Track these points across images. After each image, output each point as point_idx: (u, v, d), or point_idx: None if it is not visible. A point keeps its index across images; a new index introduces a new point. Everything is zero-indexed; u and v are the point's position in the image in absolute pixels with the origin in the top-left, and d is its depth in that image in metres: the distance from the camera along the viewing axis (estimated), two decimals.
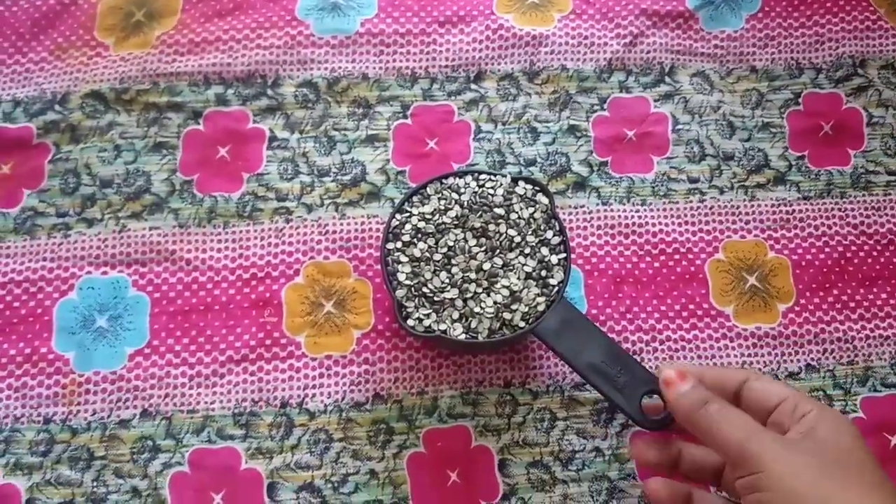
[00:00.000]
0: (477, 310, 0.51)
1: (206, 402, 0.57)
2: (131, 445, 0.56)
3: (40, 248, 0.61)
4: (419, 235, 0.53)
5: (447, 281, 0.52)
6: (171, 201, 0.62)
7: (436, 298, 0.51)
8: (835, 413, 0.43)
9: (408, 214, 0.54)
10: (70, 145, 0.63)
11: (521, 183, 0.56)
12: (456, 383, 0.58)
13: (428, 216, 0.54)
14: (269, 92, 0.65)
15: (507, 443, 0.57)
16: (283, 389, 0.58)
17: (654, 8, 0.69)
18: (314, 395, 0.58)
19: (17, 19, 0.67)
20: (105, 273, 0.60)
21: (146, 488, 0.55)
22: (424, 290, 0.51)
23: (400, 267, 0.52)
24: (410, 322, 0.51)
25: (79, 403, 0.57)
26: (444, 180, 0.56)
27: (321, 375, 0.58)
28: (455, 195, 0.54)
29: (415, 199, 0.55)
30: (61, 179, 0.62)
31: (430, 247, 0.53)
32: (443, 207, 0.54)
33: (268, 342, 0.59)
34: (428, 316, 0.51)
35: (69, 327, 0.59)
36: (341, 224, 0.62)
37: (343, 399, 0.58)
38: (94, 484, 0.55)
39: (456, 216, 0.53)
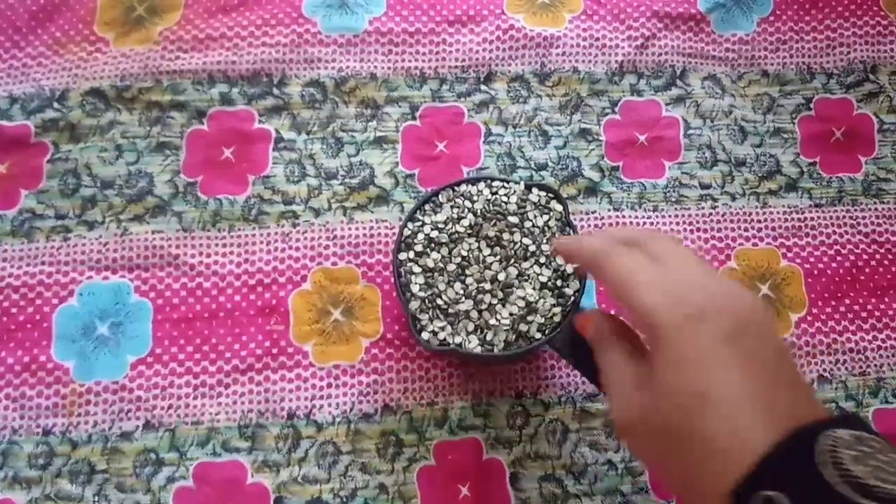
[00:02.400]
0: (492, 321, 0.50)
1: (210, 414, 0.56)
2: (134, 459, 0.54)
3: (39, 251, 0.59)
4: (432, 245, 0.52)
5: (461, 292, 0.50)
6: (175, 204, 0.60)
7: (450, 310, 0.50)
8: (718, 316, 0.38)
9: (420, 223, 0.53)
10: (69, 144, 0.61)
11: (535, 190, 0.54)
12: (466, 394, 0.57)
13: (441, 225, 0.52)
14: (276, 91, 0.63)
15: (519, 456, 0.56)
16: (291, 400, 0.56)
17: (665, 10, 0.68)
18: (322, 406, 0.56)
19: (14, 12, 0.64)
20: (106, 278, 0.58)
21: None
22: (438, 301, 0.50)
23: (413, 278, 0.51)
24: (425, 335, 0.50)
25: (79, 414, 0.55)
26: (456, 188, 0.54)
27: (329, 385, 0.57)
28: (468, 203, 0.53)
29: (426, 207, 0.54)
30: (60, 180, 0.60)
31: (443, 257, 0.52)
32: (455, 216, 0.52)
33: (274, 351, 0.57)
34: (443, 329, 0.50)
35: (69, 335, 0.57)
36: (349, 229, 0.61)
37: (351, 410, 0.56)
38: (96, 499, 0.53)
39: (469, 225, 0.52)
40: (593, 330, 0.44)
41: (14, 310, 0.57)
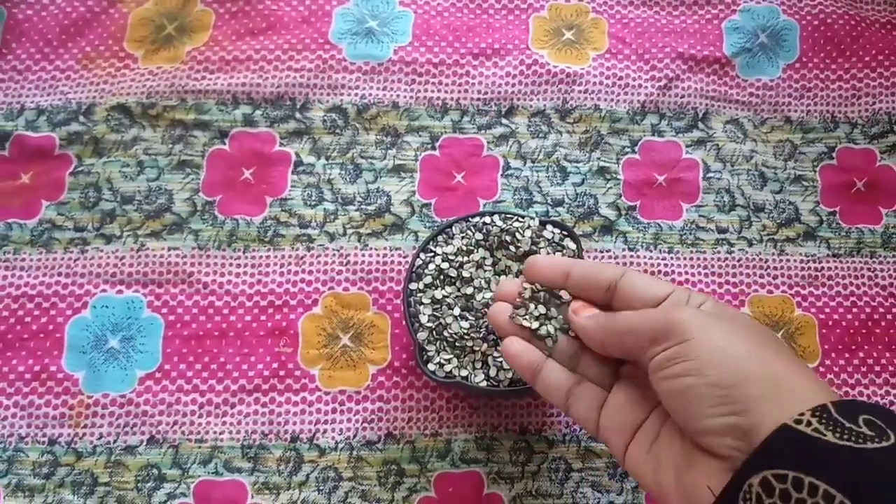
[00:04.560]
0: (499, 357, 0.50)
1: (214, 432, 0.56)
2: (136, 473, 0.55)
3: (56, 262, 0.59)
4: (441, 277, 0.52)
5: (468, 327, 0.50)
6: (192, 222, 0.61)
7: (457, 343, 0.50)
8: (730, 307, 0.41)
9: (431, 254, 0.53)
10: (92, 158, 0.62)
11: (550, 227, 0.54)
12: (471, 427, 0.57)
13: (451, 257, 0.52)
14: (298, 115, 0.64)
15: (520, 492, 0.56)
16: (295, 423, 0.57)
17: (690, 52, 0.68)
18: (325, 431, 0.56)
19: (45, 25, 0.66)
20: (120, 292, 0.59)
21: None
22: (445, 333, 0.50)
23: (422, 308, 0.51)
24: (431, 366, 0.50)
25: (85, 426, 0.56)
26: (470, 220, 0.54)
27: (334, 411, 0.57)
28: (480, 235, 0.53)
29: (439, 238, 0.54)
30: (81, 193, 0.61)
31: (452, 290, 0.52)
32: (466, 248, 0.53)
33: (281, 373, 0.58)
34: (449, 361, 0.50)
35: (80, 346, 0.57)
36: (363, 255, 0.61)
37: (355, 436, 0.56)
38: None
39: (481, 258, 0.52)
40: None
41: (28, 319, 0.58)
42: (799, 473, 0.29)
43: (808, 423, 0.31)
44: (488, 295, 0.51)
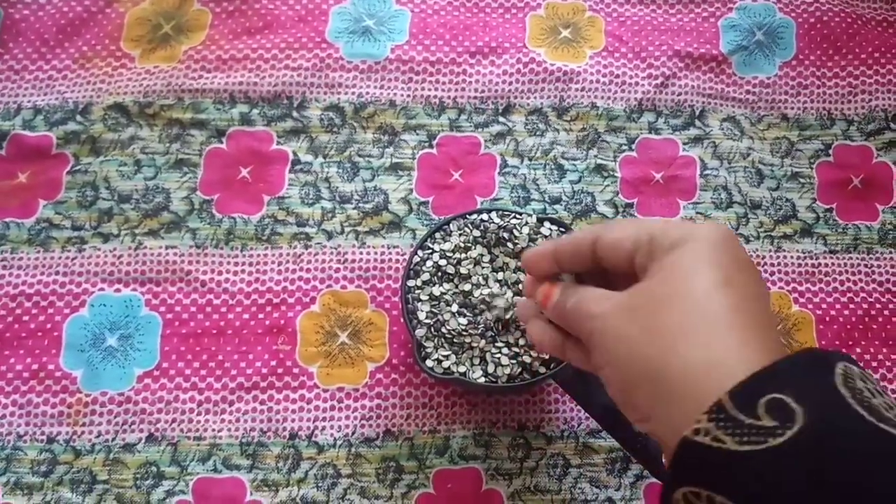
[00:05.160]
0: (497, 353, 0.50)
1: (213, 430, 0.56)
2: (135, 471, 0.55)
3: (53, 261, 0.59)
4: (439, 274, 0.52)
5: (466, 323, 0.50)
6: (190, 220, 0.61)
7: (455, 340, 0.50)
8: (701, 241, 0.34)
9: (429, 251, 0.53)
10: (90, 157, 0.62)
11: (547, 223, 0.54)
12: (469, 423, 0.57)
13: (448, 254, 0.52)
14: (295, 114, 0.64)
15: (519, 488, 0.56)
16: (293, 420, 0.57)
17: (687, 50, 0.68)
18: (324, 428, 0.57)
19: (42, 25, 0.66)
20: (118, 290, 0.59)
21: None
22: (443, 330, 0.50)
23: (420, 305, 0.51)
24: (429, 363, 0.50)
25: (84, 424, 0.56)
26: (467, 217, 0.54)
27: (332, 408, 0.57)
28: (478, 232, 0.53)
29: (437, 235, 0.54)
30: (79, 192, 0.61)
31: (450, 287, 0.52)
32: (463, 245, 0.53)
33: (280, 371, 0.58)
34: (447, 357, 0.50)
35: (78, 344, 0.57)
36: (361, 253, 0.61)
37: (353, 433, 0.57)
38: None
39: (478, 255, 0.52)
40: (558, 291, 0.40)
41: (26, 317, 0.58)
42: (709, 492, 0.27)
43: (707, 433, 0.28)
44: (486, 291, 0.51)
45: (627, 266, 0.36)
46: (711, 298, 0.31)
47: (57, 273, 0.59)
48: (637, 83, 0.67)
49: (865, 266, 0.64)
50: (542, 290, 0.41)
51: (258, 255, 0.60)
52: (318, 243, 0.61)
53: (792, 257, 0.63)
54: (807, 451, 0.26)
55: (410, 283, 0.52)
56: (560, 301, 0.39)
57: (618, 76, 0.67)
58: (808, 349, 0.29)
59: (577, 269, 0.40)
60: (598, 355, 0.35)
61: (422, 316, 0.51)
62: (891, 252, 0.64)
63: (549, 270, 0.42)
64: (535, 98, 0.66)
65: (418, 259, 0.53)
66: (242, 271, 0.60)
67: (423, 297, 0.51)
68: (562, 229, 0.54)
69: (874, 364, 0.61)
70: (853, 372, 0.28)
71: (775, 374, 0.28)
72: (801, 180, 0.66)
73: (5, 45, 0.65)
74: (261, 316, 0.59)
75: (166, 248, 0.60)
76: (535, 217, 0.54)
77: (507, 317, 0.50)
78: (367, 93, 0.65)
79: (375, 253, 0.61)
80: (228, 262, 0.60)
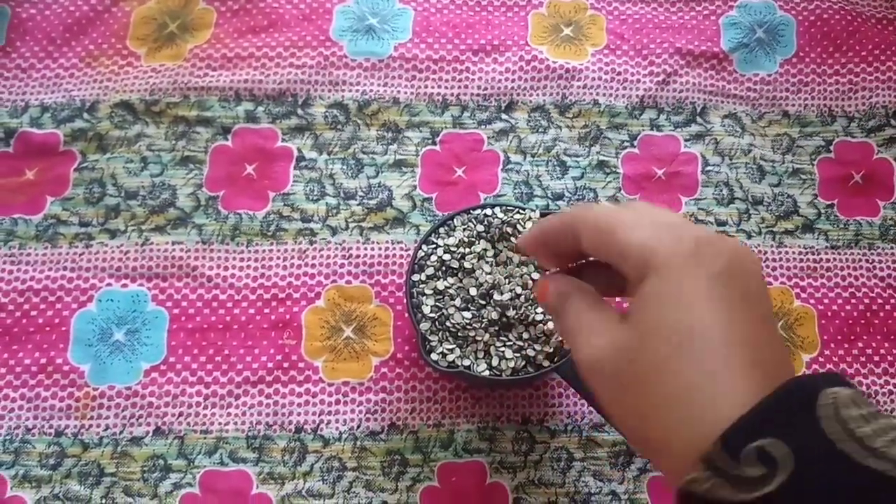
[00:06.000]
0: (501, 347, 0.50)
1: (219, 423, 0.56)
2: (142, 464, 0.55)
3: (61, 256, 0.60)
4: (444, 268, 0.52)
5: (470, 317, 0.51)
6: (196, 216, 0.61)
7: (460, 334, 0.50)
8: (705, 267, 0.32)
9: (434, 246, 0.53)
10: (97, 154, 0.63)
11: None
12: (473, 417, 0.57)
13: (453, 248, 0.53)
14: (300, 111, 0.65)
15: (523, 481, 0.56)
16: (299, 414, 0.57)
17: (688, 47, 0.69)
18: (329, 422, 0.57)
19: (49, 24, 0.66)
20: (125, 286, 0.59)
21: None
22: (448, 324, 0.51)
23: (424, 299, 0.52)
24: (434, 356, 0.50)
25: (91, 417, 0.56)
26: (471, 211, 0.55)
27: (337, 402, 0.57)
28: (481, 227, 0.53)
29: (441, 230, 0.54)
30: (86, 188, 0.62)
31: (454, 281, 0.52)
32: (467, 240, 0.53)
33: (285, 365, 0.58)
34: (452, 351, 0.50)
35: (86, 339, 0.58)
36: (365, 248, 0.61)
37: (358, 427, 0.57)
38: (103, 501, 0.54)
39: (482, 249, 0.53)
40: (553, 290, 0.39)
41: (34, 312, 0.58)
42: None
43: (701, 482, 0.28)
44: (490, 286, 0.52)
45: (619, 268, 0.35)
46: (706, 338, 0.30)
47: (64, 269, 0.60)
48: (639, 80, 0.68)
49: (867, 261, 0.64)
50: (539, 282, 0.40)
51: (263, 251, 0.61)
52: (323, 239, 0.61)
53: (794, 253, 0.64)
54: (791, 501, 0.26)
55: (415, 277, 0.53)
56: (553, 306, 0.38)
57: (619, 73, 0.68)
58: (793, 379, 0.29)
59: (567, 258, 0.40)
60: (592, 386, 0.34)
61: (426, 310, 0.51)
62: (892, 247, 0.64)
63: (543, 257, 0.40)
64: (537, 95, 0.67)
65: (423, 254, 0.53)
66: (248, 267, 0.61)
67: (428, 292, 0.52)
68: None
69: (876, 359, 0.61)
70: (842, 398, 0.28)
71: (760, 415, 0.28)
72: (803, 176, 0.66)
73: (13, 44, 0.66)
74: (266, 311, 0.60)
75: (173, 243, 0.61)
76: (538, 212, 0.54)
77: (511, 312, 0.51)
78: (371, 90, 0.66)
79: (379, 248, 0.62)
80: (234, 258, 0.61)
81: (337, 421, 0.57)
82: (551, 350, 0.50)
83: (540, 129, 0.66)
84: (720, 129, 0.67)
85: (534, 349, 0.50)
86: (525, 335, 0.51)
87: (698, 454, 0.28)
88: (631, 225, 0.34)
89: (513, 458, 0.57)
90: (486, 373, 0.50)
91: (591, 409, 0.57)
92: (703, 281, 0.31)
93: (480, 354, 0.50)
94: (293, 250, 0.61)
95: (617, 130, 0.66)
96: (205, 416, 0.57)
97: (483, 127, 0.65)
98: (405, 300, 0.53)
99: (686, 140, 0.66)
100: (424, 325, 0.51)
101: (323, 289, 0.60)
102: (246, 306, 0.60)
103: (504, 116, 0.66)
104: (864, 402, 0.28)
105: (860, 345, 0.61)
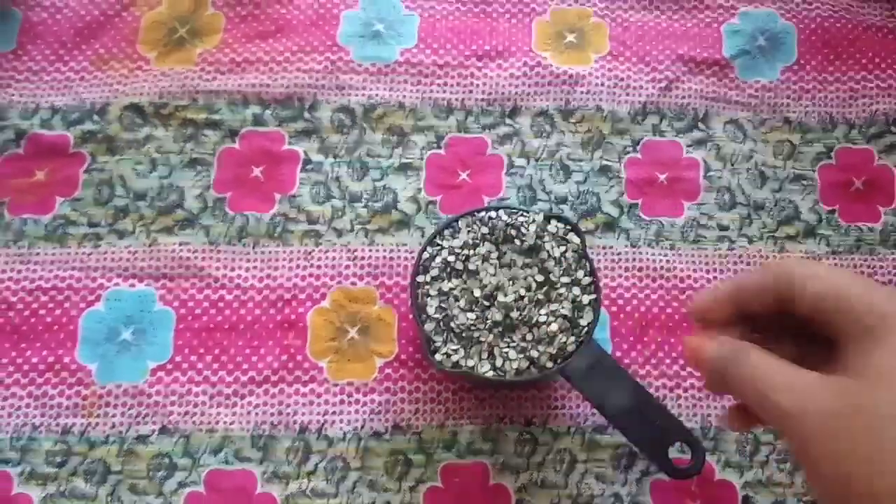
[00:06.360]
0: (505, 348, 0.51)
1: (225, 422, 0.57)
2: (148, 462, 0.56)
3: (70, 256, 0.61)
4: (448, 269, 0.53)
5: (474, 318, 0.51)
6: (203, 218, 0.62)
7: (464, 335, 0.51)
8: None
9: (438, 248, 0.54)
10: (106, 156, 0.63)
11: (554, 221, 0.55)
12: (476, 418, 0.58)
13: (457, 250, 0.53)
14: (306, 115, 0.65)
15: (525, 483, 0.56)
16: (304, 414, 0.57)
17: (690, 54, 0.69)
18: (334, 422, 0.57)
19: (60, 28, 0.67)
20: (133, 286, 0.60)
21: None
22: (452, 325, 0.51)
23: (429, 300, 0.52)
24: (438, 357, 0.51)
25: (98, 416, 0.57)
26: (476, 214, 0.55)
27: (342, 402, 0.58)
28: (486, 230, 0.54)
29: (446, 232, 0.55)
30: (95, 189, 0.62)
31: (459, 282, 0.53)
32: (472, 242, 0.54)
33: (290, 365, 0.59)
34: (456, 351, 0.51)
35: (94, 338, 0.58)
36: (370, 251, 0.62)
37: (362, 427, 0.57)
38: (109, 499, 0.55)
39: (486, 251, 0.53)
40: (722, 344, 0.37)
41: (42, 311, 0.59)
42: None
43: None
44: (494, 287, 0.52)
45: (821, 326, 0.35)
46: None
47: (73, 268, 0.60)
48: (641, 87, 0.68)
49: (868, 267, 0.64)
50: (692, 340, 0.39)
51: (270, 252, 0.62)
52: (329, 241, 0.62)
53: (795, 258, 0.64)
54: None
55: (420, 278, 0.53)
56: (720, 361, 0.37)
57: (622, 80, 0.68)
58: None
59: (745, 321, 0.39)
60: (799, 459, 0.33)
61: (431, 311, 0.52)
62: (892, 253, 0.65)
63: (726, 319, 0.39)
64: (541, 100, 0.67)
65: (427, 255, 0.54)
66: (254, 268, 0.61)
67: (433, 293, 0.52)
68: (568, 227, 0.55)
69: None
70: None
71: None
72: (804, 182, 0.66)
73: (24, 48, 0.67)
74: (272, 311, 0.60)
75: (180, 244, 0.61)
76: (542, 215, 0.55)
77: (514, 313, 0.51)
78: (377, 95, 0.67)
79: (384, 251, 0.62)
80: (241, 259, 0.61)
81: (341, 421, 0.57)
82: (555, 352, 0.51)
83: (543, 134, 0.66)
84: (722, 135, 0.67)
85: (537, 350, 0.51)
86: (529, 336, 0.51)
87: None
88: (858, 284, 0.34)
89: (516, 460, 0.57)
90: (490, 374, 0.50)
91: (593, 411, 0.57)
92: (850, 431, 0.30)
93: (484, 355, 0.51)
94: (299, 252, 0.62)
95: (620, 136, 0.67)
96: (210, 415, 0.57)
97: (487, 131, 0.66)
98: (410, 301, 0.53)
99: (688, 146, 0.67)
100: (429, 326, 0.51)
101: (328, 290, 0.61)
102: (252, 307, 0.60)
103: (508, 121, 0.67)
104: None
105: None
